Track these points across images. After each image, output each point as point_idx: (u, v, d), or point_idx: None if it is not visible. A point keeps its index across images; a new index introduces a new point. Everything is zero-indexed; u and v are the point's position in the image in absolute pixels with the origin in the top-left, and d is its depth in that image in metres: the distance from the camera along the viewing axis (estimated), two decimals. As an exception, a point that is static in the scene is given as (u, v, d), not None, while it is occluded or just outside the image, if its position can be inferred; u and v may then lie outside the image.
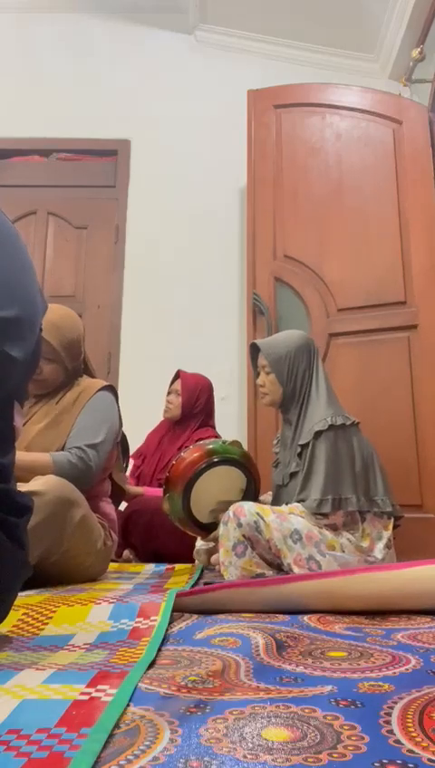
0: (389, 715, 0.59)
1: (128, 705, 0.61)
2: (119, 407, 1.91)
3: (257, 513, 1.58)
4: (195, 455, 1.76)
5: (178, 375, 2.63)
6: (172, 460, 1.81)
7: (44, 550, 1.51)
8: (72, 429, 1.75)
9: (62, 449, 1.72)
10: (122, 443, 2.01)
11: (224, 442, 1.84)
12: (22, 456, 1.61)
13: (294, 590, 1.15)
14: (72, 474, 1.63)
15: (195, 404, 2.56)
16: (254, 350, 1.94)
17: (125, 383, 3.13)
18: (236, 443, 1.85)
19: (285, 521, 1.58)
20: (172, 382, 2.64)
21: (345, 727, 0.56)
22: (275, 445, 1.96)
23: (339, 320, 2.68)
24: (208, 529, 1.78)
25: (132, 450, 2.62)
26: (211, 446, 1.79)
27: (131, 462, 2.61)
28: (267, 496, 1.94)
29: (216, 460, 1.76)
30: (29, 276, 0.93)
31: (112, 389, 1.89)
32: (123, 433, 2.02)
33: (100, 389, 1.84)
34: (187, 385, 2.57)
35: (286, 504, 1.74)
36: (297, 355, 1.83)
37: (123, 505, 2.35)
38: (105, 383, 1.88)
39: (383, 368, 2.56)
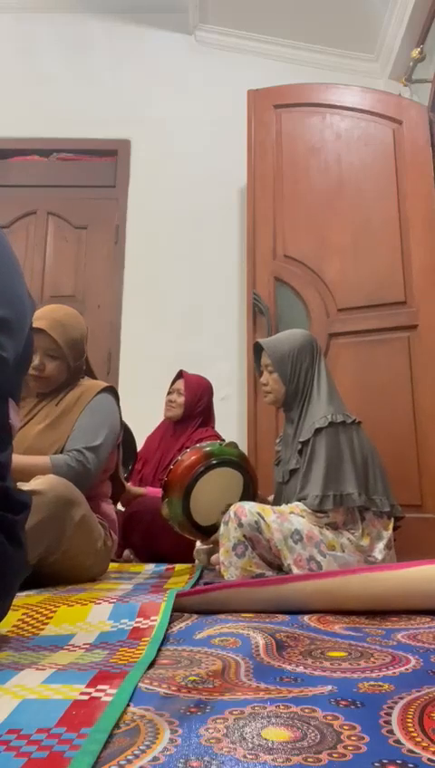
0: (389, 715, 0.59)
1: (128, 705, 0.61)
2: (120, 408, 1.91)
3: (258, 513, 1.58)
4: (192, 458, 1.75)
5: (180, 374, 2.64)
6: (171, 464, 1.81)
7: (44, 549, 1.51)
8: (71, 431, 1.75)
9: (62, 451, 1.72)
10: (128, 443, 2.01)
11: (220, 444, 1.85)
12: (20, 458, 1.61)
13: (294, 590, 1.15)
14: (69, 477, 1.63)
15: (197, 403, 2.57)
16: (257, 350, 1.95)
17: (125, 383, 3.12)
18: (232, 444, 1.85)
19: (286, 521, 1.58)
20: (174, 382, 2.65)
21: (345, 727, 0.56)
22: (278, 443, 1.96)
23: (339, 320, 2.68)
24: (208, 532, 1.78)
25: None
26: (208, 449, 1.79)
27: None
28: (271, 498, 1.95)
29: (214, 462, 1.76)
30: (16, 276, 0.94)
31: (113, 391, 1.89)
32: (131, 432, 2.01)
33: (100, 391, 1.84)
34: (190, 384, 2.58)
35: (287, 501, 1.74)
36: (300, 354, 1.84)
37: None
38: (106, 384, 1.88)
39: (383, 368, 2.56)
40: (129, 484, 2.30)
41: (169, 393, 2.64)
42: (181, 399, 2.57)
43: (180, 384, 2.60)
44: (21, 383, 0.98)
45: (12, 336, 0.88)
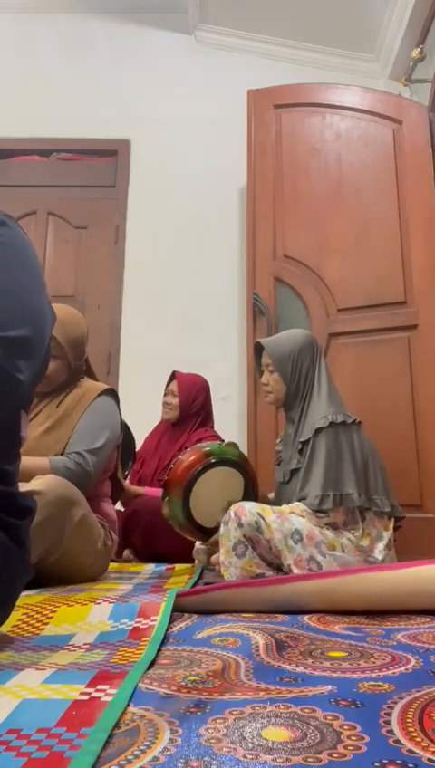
0: (389, 715, 0.59)
1: (128, 705, 0.61)
2: (120, 410, 1.91)
3: (258, 513, 1.58)
4: (192, 457, 1.76)
5: (173, 376, 2.63)
6: (171, 463, 1.81)
7: (44, 550, 1.51)
8: (72, 433, 1.75)
9: (63, 453, 1.72)
10: (127, 442, 2.01)
11: (220, 444, 1.85)
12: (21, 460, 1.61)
13: (294, 590, 1.15)
14: (69, 479, 1.63)
15: (192, 404, 2.56)
16: (258, 349, 1.95)
17: (125, 383, 3.12)
18: (232, 444, 1.86)
19: (286, 521, 1.58)
20: (168, 383, 2.64)
21: (345, 727, 0.56)
22: (279, 443, 1.96)
23: (339, 320, 2.68)
24: (209, 532, 1.78)
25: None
26: (208, 449, 1.80)
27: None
28: (272, 495, 1.95)
29: (213, 461, 1.76)
30: (41, 291, 0.93)
31: (114, 393, 1.90)
32: (130, 432, 2.01)
33: (101, 393, 1.84)
34: (183, 385, 2.57)
35: (288, 501, 1.74)
36: (301, 354, 1.84)
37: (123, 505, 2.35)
38: (107, 386, 1.89)
39: (383, 368, 2.56)
40: (127, 483, 2.30)
41: (164, 395, 2.63)
42: (176, 401, 2.56)
43: (174, 386, 2.59)
44: (32, 395, 0.98)
45: (30, 356, 0.87)
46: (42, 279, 0.96)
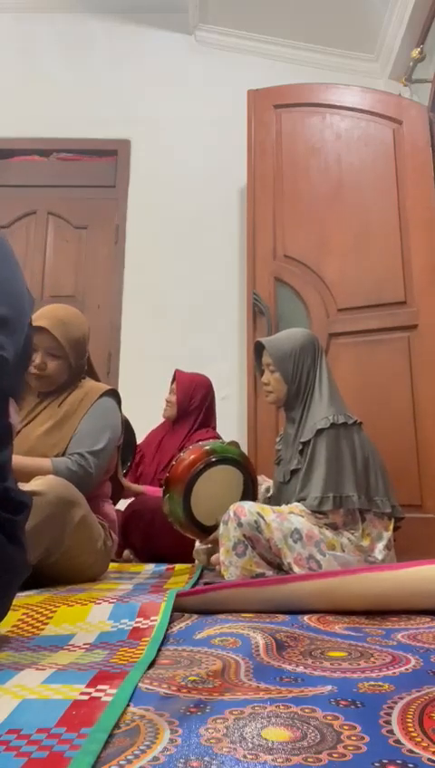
0: (389, 715, 0.59)
1: (128, 705, 0.61)
2: (121, 411, 1.91)
3: (258, 513, 1.58)
4: (193, 456, 1.76)
5: (175, 374, 2.65)
6: (172, 461, 1.82)
7: (45, 550, 1.51)
8: (73, 434, 1.75)
9: (64, 454, 1.72)
10: (128, 439, 2.01)
11: (222, 443, 1.85)
12: (22, 460, 1.61)
13: (294, 590, 1.15)
14: (71, 480, 1.63)
15: (190, 402, 2.57)
16: (258, 349, 1.95)
17: (125, 383, 3.12)
18: (233, 443, 1.86)
19: (286, 520, 1.58)
20: (172, 382, 2.66)
21: (345, 727, 0.56)
22: (278, 442, 1.96)
23: (339, 320, 2.68)
24: (208, 531, 1.78)
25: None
26: (209, 447, 1.80)
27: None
28: (266, 480, 1.95)
29: (214, 460, 1.76)
30: (15, 273, 0.94)
31: (115, 394, 1.89)
32: (131, 428, 2.01)
33: (103, 394, 1.84)
34: (181, 383, 2.59)
35: (287, 501, 1.74)
36: (302, 353, 1.83)
37: (124, 505, 2.35)
38: (108, 387, 1.89)
39: (383, 368, 2.56)
40: (126, 482, 2.30)
41: (168, 394, 2.65)
42: (174, 399, 2.59)
43: (175, 384, 2.62)
44: (21, 381, 0.98)
45: (11, 334, 0.88)
46: (16, 261, 0.97)
